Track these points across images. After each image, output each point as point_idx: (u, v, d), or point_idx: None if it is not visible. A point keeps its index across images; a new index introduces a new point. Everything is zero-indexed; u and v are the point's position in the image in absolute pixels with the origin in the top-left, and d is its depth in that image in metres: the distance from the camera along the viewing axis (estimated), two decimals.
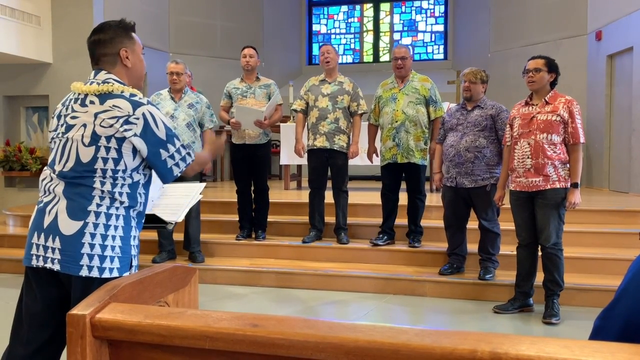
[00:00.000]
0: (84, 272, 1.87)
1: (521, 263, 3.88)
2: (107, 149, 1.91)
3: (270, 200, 5.29)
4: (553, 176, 3.65)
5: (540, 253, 3.81)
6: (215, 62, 10.05)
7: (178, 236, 5.06)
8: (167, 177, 2.04)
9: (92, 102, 1.95)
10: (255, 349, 1.07)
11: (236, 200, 5.26)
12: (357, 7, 11.60)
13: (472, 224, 4.42)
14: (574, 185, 3.66)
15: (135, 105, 1.93)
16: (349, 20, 11.68)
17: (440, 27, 11.23)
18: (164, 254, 4.99)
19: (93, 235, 1.88)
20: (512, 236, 4.07)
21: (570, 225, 4.42)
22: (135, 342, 1.17)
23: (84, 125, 1.93)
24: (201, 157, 2.29)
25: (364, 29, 11.59)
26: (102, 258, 1.89)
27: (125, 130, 1.90)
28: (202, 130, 5.02)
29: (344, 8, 11.67)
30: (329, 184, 5.09)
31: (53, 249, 1.88)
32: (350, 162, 5.15)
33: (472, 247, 4.46)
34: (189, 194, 3.22)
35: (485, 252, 4.31)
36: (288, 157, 7.23)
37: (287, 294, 4.54)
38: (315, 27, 11.76)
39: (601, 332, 1.05)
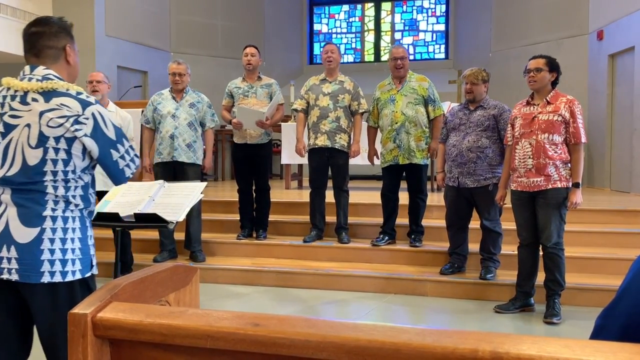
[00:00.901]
0: (46, 279, 1.81)
1: (522, 263, 3.88)
2: (56, 150, 1.82)
3: (271, 200, 5.29)
4: (554, 176, 3.64)
5: (541, 253, 3.81)
6: (216, 61, 10.05)
7: (179, 235, 5.06)
8: (119, 178, 1.98)
9: (35, 100, 1.83)
10: (256, 348, 1.07)
11: (237, 199, 5.27)
12: (359, 6, 11.59)
13: (474, 223, 4.42)
14: (576, 185, 3.66)
15: (85, 104, 1.86)
16: (350, 19, 11.68)
17: (442, 27, 11.22)
18: (165, 253, 4.99)
19: (52, 241, 1.83)
20: (513, 236, 4.07)
21: (572, 225, 4.42)
22: (136, 341, 1.17)
23: (28, 126, 1.82)
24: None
25: (365, 28, 11.59)
26: (64, 262, 1.85)
27: (76, 130, 1.83)
28: (204, 130, 5.03)
29: (345, 7, 11.67)
30: (330, 183, 5.09)
31: (9, 259, 1.80)
32: (351, 161, 5.15)
33: (473, 246, 4.46)
34: (190, 193, 3.23)
35: (486, 252, 4.31)
36: (289, 156, 7.23)
37: (288, 293, 4.54)
38: (316, 27, 11.76)
39: (602, 331, 1.05)
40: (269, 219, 5.32)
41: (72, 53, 1.98)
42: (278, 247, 5.13)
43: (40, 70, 1.89)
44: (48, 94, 1.83)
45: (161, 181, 3.43)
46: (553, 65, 3.71)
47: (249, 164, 5.13)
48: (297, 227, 5.42)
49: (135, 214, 3.07)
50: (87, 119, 1.85)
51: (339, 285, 4.59)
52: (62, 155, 1.83)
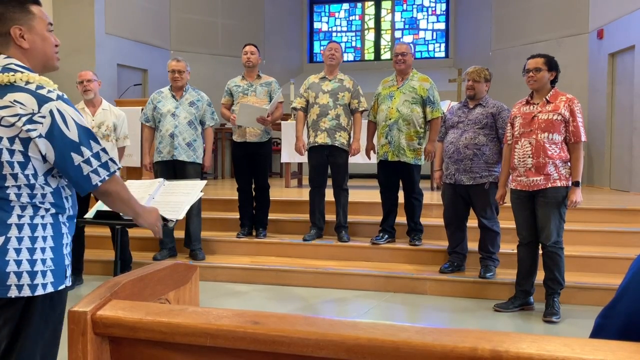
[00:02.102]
0: (12, 293, 1.62)
1: (522, 261, 3.88)
2: (11, 152, 1.62)
3: (271, 198, 5.29)
4: (554, 175, 3.65)
5: (540, 252, 3.81)
6: (216, 59, 10.05)
7: (179, 234, 5.06)
8: (83, 187, 1.70)
9: None
10: (256, 346, 1.07)
11: (237, 197, 5.27)
12: (359, 4, 11.59)
13: (473, 222, 4.42)
14: (575, 184, 3.66)
15: (42, 100, 1.64)
16: (350, 18, 11.67)
17: (442, 25, 11.21)
18: (165, 251, 4.99)
19: (18, 251, 1.63)
20: (512, 235, 4.07)
21: (571, 223, 4.42)
22: (136, 339, 1.17)
23: None
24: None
25: (365, 26, 11.58)
26: (33, 274, 1.65)
27: (29, 130, 1.61)
28: (204, 128, 5.03)
29: (345, 6, 11.66)
30: (330, 182, 5.09)
31: None
32: (351, 160, 5.15)
33: (473, 245, 4.47)
34: (190, 191, 3.23)
35: (485, 251, 4.31)
36: (289, 155, 7.23)
37: (288, 291, 4.54)
38: (316, 25, 11.75)
39: (602, 330, 1.05)
40: (269, 218, 5.32)
41: (27, 34, 1.70)
42: (278, 246, 5.13)
43: (1, 60, 1.69)
44: (3, 89, 1.64)
45: (161, 179, 3.43)
46: (552, 64, 3.71)
47: (249, 163, 5.13)
48: (296, 225, 5.42)
49: None
50: (43, 117, 1.62)
51: (339, 283, 4.60)
52: (18, 157, 1.63)
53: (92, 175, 1.69)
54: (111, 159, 1.74)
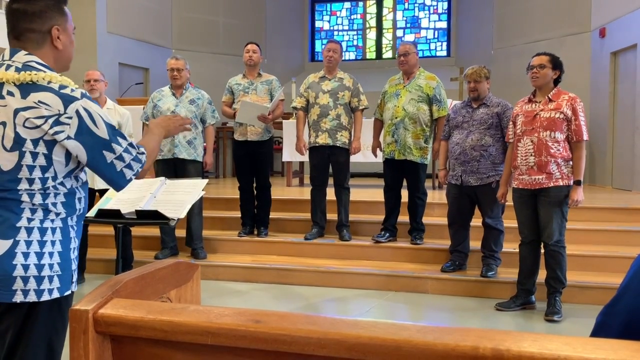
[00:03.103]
0: (18, 298, 1.58)
1: (524, 260, 3.87)
2: (34, 155, 1.57)
3: (272, 197, 5.29)
4: (556, 174, 3.64)
5: (542, 250, 3.81)
6: (218, 58, 10.05)
7: (180, 232, 5.07)
8: (119, 183, 1.69)
9: (10, 94, 1.57)
10: (257, 344, 1.07)
11: (238, 196, 5.27)
12: (360, 3, 11.58)
13: (475, 221, 4.42)
14: (577, 183, 3.65)
15: (67, 100, 1.58)
16: (352, 17, 11.67)
17: (444, 24, 11.20)
18: (166, 250, 4.99)
19: (26, 255, 1.59)
20: (514, 233, 4.06)
21: (573, 222, 4.41)
22: (137, 338, 1.17)
23: (3, 124, 1.57)
24: (152, 146, 1.84)
25: (367, 25, 11.57)
26: (39, 279, 1.60)
27: (56, 132, 1.56)
28: (205, 126, 5.02)
29: (347, 5, 11.65)
30: (331, 180, 5.09)
31: None
32: (352, 158, 5.14)
33: (475, 244, 4.46)
34: (192, 190, 3.23)
35: (488, 249, 4.31)
36: (290, 154, 7.23)
37: (289, 290, 4.54)
38: (317, 24, 11.75)
39: (603, 329, 1.05)
40: (270, 216, 5.32)
41: (62, 35, 1.67)
42: (279, 245, 5.13)
43: (21, 56, 1.62)
44: (25, 88, 1.57)
45: (162, 178, 3.43)
46: (556, 63, 3.71)
47: (250, 161, 5.13)
48: (298, 224, 5.42)
49: (136, 210, 3.07)
50: (70, 118, 1.57)
51: (340, 282, 4.60)
52: (41, 161, 1.58)
53: (125, 171, 1.68)
54: (140, 152, 1.72)
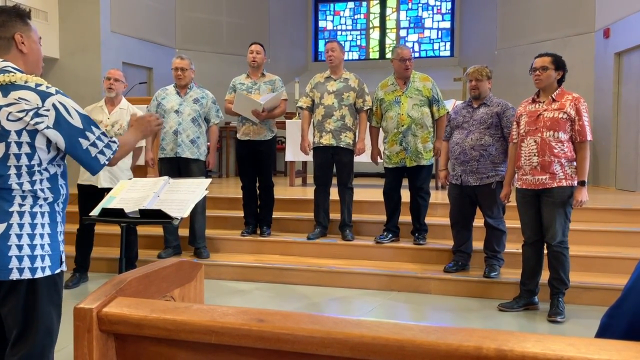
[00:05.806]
0: (14, 276, 1.78)
1: (527, 261, 3.87)
2: (19, 144, 1.79)
3: (275, 197, 5.29)
4: (560, 174, 3.63)
5: (546, 251, 3.80)
6: (221, 58, 10.06)
7: (183, 232, 5.08)
8: (93, 167, 1.91)
9: None
10: (260, 343, 1.07)
11: (241, 196, 5.27)
12: (364, 3, 11.57)
13: (478, 221, 4.41)
14: (581, 183, 3.65)
15: (44, 96, 1.81)
16: (355, 16, 11.65)
17: (447, 24, 11.18)
18: (170, 249, 5.00)
19: (20, 236, 1.80)
20: (517, 234, 4.06)
21: (577, 223, 4.41)
22: (141, 336, 1.18)
23: None
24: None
25: (370, 25, 11.56)
26: (33, 258, 1.81)
27: (37, 123, 1.79)
28: (209, 126, 5.03)
29: (350, 4, 11.64)
30: (334, 180, 5.08)
31: None
32: (356, 159, 5.14)
33: (478, 244, 4.46)
34: (195, 189, 3.23)
35: (490, 250, 4.30)
36: (293, 153, 7.22)
37: (292, 290, 4.54)
38: (321, 24, 11.74)
39: (608, 330, 1.05)
40: (273, 216, 5.32)
41: (26, 41, 1.91)
42: (282, 244, 5.14)
43: None
44: (6, 88, 1.80)
45: (166, 177, 3.44)
46: (559, 64, 3.70)
47: (253, 161, 5.13)
48: (301, 224, 5.42)
49: (140, 210, 3.07)
50: (47, 110, 1.80)
51: (343, 282, 4.60)
52: (26, 149, 1.79)
53: (99, 156, 1.91)
54: (111, 140, 1.95)
